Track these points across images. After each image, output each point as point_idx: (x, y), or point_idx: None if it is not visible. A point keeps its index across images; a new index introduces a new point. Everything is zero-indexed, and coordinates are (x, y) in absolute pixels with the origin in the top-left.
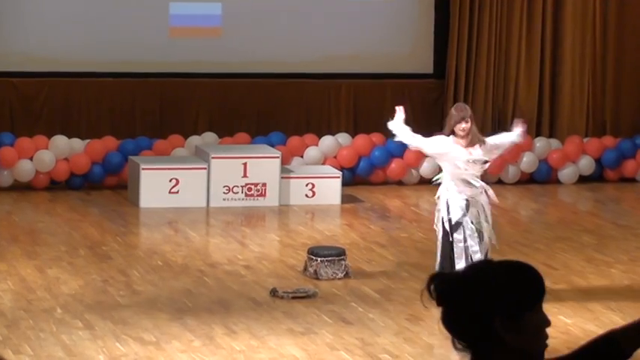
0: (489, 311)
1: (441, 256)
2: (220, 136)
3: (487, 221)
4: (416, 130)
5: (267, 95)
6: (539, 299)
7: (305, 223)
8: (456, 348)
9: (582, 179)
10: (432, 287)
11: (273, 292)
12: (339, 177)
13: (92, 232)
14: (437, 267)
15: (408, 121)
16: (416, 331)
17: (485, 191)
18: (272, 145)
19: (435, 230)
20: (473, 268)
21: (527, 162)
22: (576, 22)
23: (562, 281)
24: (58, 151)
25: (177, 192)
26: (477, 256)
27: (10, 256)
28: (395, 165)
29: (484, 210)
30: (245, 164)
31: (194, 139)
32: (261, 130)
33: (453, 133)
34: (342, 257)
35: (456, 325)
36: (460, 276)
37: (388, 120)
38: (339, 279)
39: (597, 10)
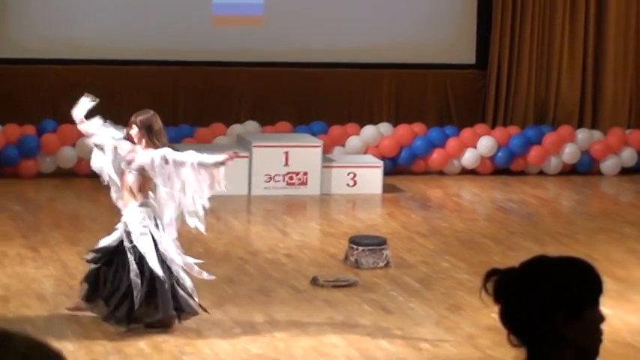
0: (550, 307)
1: None
2: (262, 125)
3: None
4: (458, 121)
5: (309, 84)
6: (598, 294)
7: (346, 212)
8: (511, 344)
9: (624, 171)
10: (489, 283)
11: (314, 281)
12: (380, 166)
13: None
14: None
15: (449, 112)
16: (456, 320)
17: None
18: (314, 134)
19: (475, 220)
20: (531, 263)
21: (570, 153)
22: (620, 12)
23: (603, 272)
24: None
25: None
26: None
27: (52, 242)
28: (436, 155)
29: None
30: (287, 153)
31: (236, 128)
32: (303, 118)
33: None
34: (383, 246)
35: (515, 322)
36: (519, 272)
37: (430, 110)
38: (379, 268)
39: None
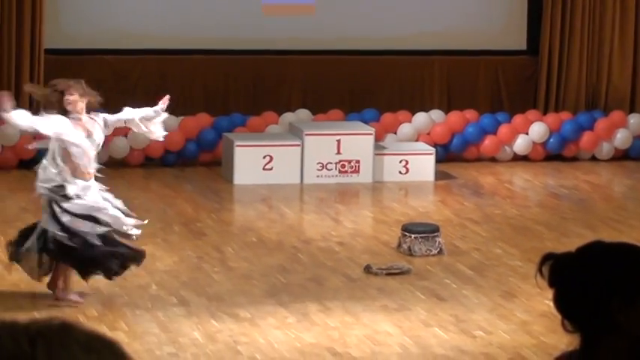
0: (605, 293)
1: None
2: (314, 113)
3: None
4: (509, 108)
5: (360, 72)
6: None
7: (399, 200)
8: (565, 329)
9: None
10: (544, 267)
11: (367, 269)
12: (432, 153)
13: (186, 209)
14: None
15: (500, 98)
16: (510, 307)
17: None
18: (365, 122)
19: (527, 207)
20: (587, 248)
21: (621, 138)
22: None
23: None
24: None
25: (271, 169)
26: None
27: None
28: (488, 141)
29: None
30: (339, 141)
31: (288, 116)
32: (355, 106)
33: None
34: (436, 234)
35: (570, 307)
36: (575, 256)
37: (481, 97)
38: (432, 255)
39: None
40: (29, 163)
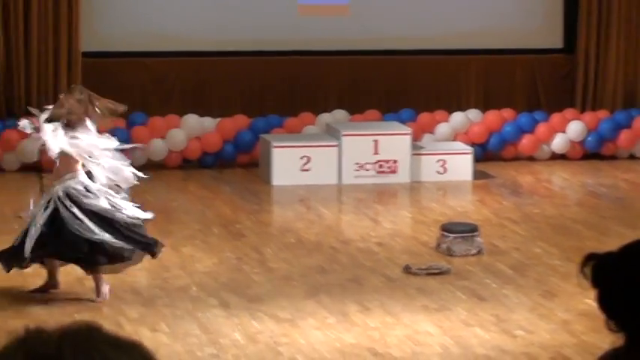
0: None
1: None
2: (351, 113)
3: None
4: (547, 106)
5: (396, 72)
6: None
7: (437, 200)
8: (609, 329)
9: None
10: (586, 268)
11: (407, 269)
12: (470, 153)
13: (225, 210)
14: None
15: (538, 97)
16: (550, 307)
17: None
18: (402, 122)
19: (567, 206)
20: (630, 248)
21: None
22: None
23: None
24: (190, 130)
25: (309, 169)
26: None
27: None
28: (526, 140)
29: None
30: (376, 141)
31: (324, 117)
32: (392, 106)
33: None
34: (475, 233)
35: (614, 307)
36: (617, 256)
37: (518, 96)
38: (472, 255)
39: None
40: None
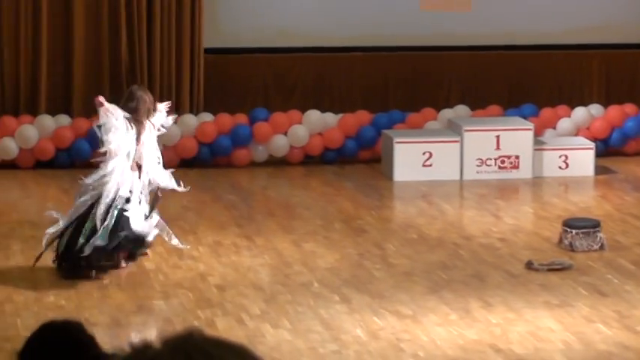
0: None
1: None
2: (472, 109)
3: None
4: None
5: (518, 67)
6: None
7: (559, 195)
8: None
9: None
10: None
11: (529, 265)
12: (592, 148)
13: (347, 206)
14: None
15: None
16: None
17: None
18: (524, 117)
19: None
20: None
21: None
22: None
23: None
24: (312, 126)
25: (431, 165)
26: None
27: (266, 230)
28: None
29: None
30: (498, 137)
31: (446, 112)
32: (513, 101)
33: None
34: (597, 229)
35: None
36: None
37: None
38: (594, 251)
39: None
40: (190, 161)
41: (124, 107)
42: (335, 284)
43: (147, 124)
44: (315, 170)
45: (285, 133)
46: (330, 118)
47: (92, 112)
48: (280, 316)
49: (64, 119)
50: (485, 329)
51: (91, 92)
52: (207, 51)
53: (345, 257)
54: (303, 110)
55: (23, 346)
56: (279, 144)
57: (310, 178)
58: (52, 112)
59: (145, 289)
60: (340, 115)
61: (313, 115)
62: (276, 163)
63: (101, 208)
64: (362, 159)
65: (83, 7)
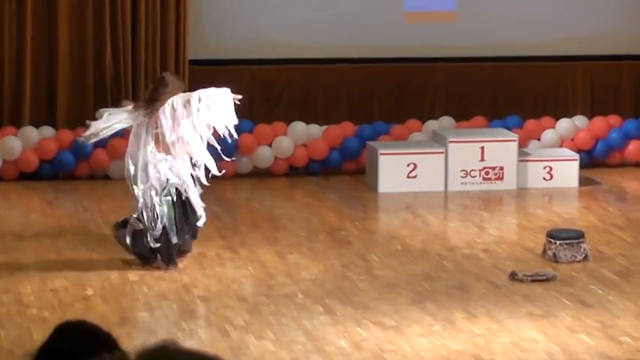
0: None
1: None
2: (457, 120)
3: None
4: None
5: (502, 78)
6: None
7: (543, 206)
8: None
9: None
10: None
11: (513, 276)
12: (576, 159)
13: (331, 218)
14: None
15: None
16: None
17: None
18: (509, 129)
19: None
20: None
21: None
22: None
23: None
24: (297, 137)
25: (415, 176)
26: None
27: (250, 242)
28: (632, 146)
29: None
30: (482, 148)
31: (431, 124)
32: (498, 113)
33: None
34: (581, 240)
35: None
36: None
37: (624, 102)
38: (577, 262)
39: None
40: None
41: (154, 92)
42: (319, 295)
43: (184, 109)
44: (300, 181)
45: (270, 145)
46: (315, 130)
47: (76, 123)
48: (264, 327)
49: (47, 131)
50: (469, 340)
51: (75, 104)
52: (192, 62)
53: (329, 268)
54: (288, 122)
55: (41, 346)
56: (264, 155)
57: (294, 189)
58: (36, 124)
59: (129, 300)
60: (325, 127)
61: (298, 127)
62: (261, 174)
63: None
64: (346, 170)
65: (67, 19)
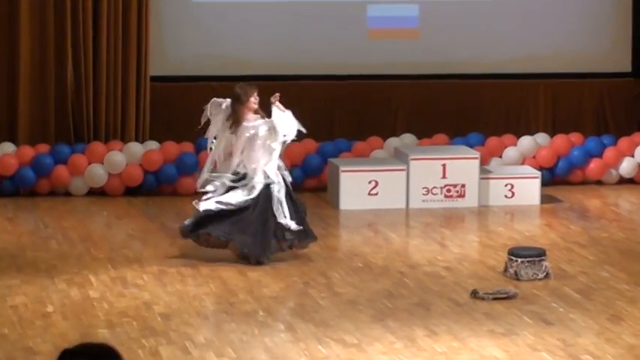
0: None
1: None
2: (419, 138)
3: None
4: (615, 130)
5: (464, 96)
6: None
7: (504, 224)
8: None
9: None
10: None
11: (474, 294)
12: (538, 177)
13: None
14: None
15: (606, 121)
16: (617, 331)
17: None
18: (470, 146)
19: (634, 230)
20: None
21: None
22: None
23: None
24: None
25: (377, 194)
26: None
27: (211, 259)
28: (594, 165)
29: None
30: (444, 165)
31: (393, 141)
32: (460, 130)
33: None
34: (543, 258)
35: None
36: None
37: (586, 120)
38: (539, 279)
39: None
40: (135, 190)
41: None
42: (280, 313)
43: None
44: None
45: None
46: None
47: (37, 139)
48: (225, 345)
49: (8, 147)
50: (430, 358)
51: (35, 120)
52: (154, 79)
53: (290, 286)
54: None
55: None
56: None
57: None
58: None
59: (89, 317)
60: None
61: None
62: None
63: None
64: (308, 187)
65: (28, 34)
